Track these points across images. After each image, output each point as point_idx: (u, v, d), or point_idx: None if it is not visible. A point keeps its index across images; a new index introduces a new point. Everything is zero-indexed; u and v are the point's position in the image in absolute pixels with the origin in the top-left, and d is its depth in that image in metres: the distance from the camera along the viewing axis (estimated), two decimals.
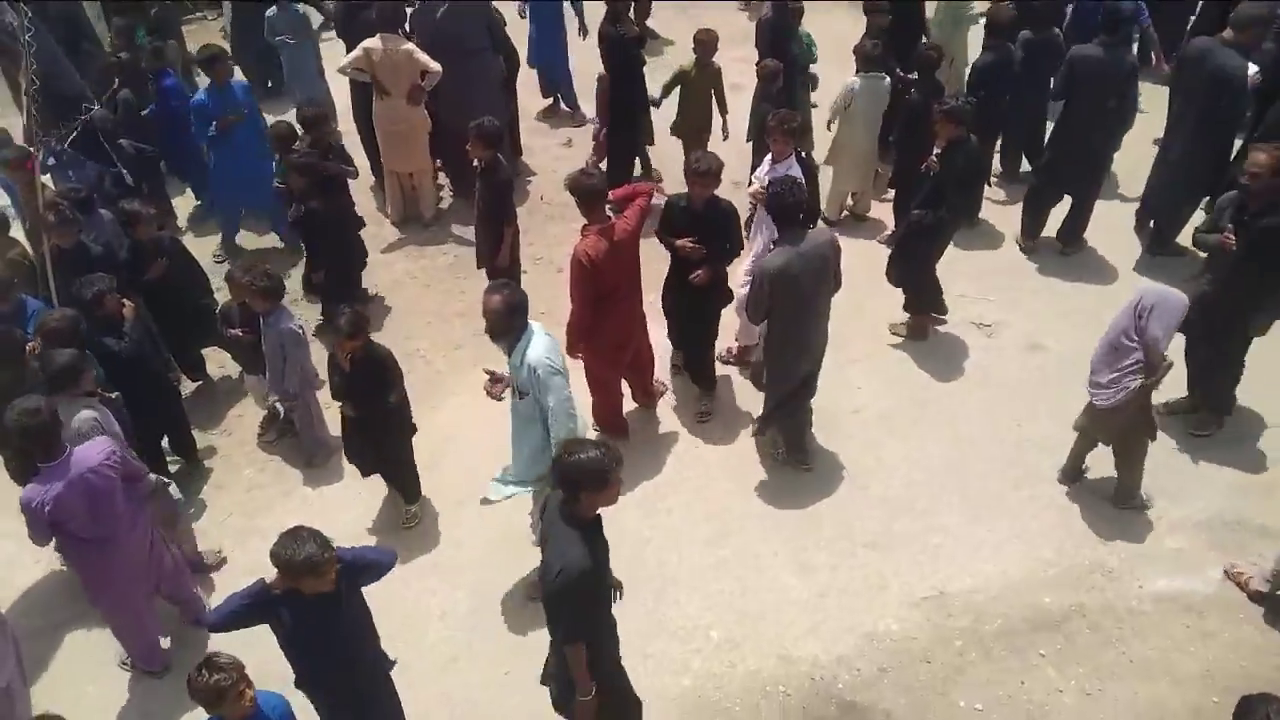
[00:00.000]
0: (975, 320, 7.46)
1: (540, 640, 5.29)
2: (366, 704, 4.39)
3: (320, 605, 3.93)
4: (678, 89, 8.41)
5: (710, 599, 5.57)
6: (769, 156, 6.60)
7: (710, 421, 6.69)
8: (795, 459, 6.37)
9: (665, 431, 6.72)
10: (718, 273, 6.21)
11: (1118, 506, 5.91)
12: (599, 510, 3.96)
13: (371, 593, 4.24)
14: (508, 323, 4.85)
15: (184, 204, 9.31)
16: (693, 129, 8.45)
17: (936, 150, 6.65)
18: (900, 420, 6.70)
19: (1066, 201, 7.94)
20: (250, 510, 6.42)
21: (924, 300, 7.18)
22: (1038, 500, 6.08)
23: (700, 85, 8.28)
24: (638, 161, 9.01)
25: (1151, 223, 7.96)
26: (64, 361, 5.12)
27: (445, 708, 5.15)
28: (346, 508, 6.31)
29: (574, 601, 3.86)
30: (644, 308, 6.37)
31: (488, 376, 5.19)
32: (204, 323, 6.95)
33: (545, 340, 4.92)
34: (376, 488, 6.38)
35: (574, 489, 3.84)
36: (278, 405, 6.75)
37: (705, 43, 8.13)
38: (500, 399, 5.16)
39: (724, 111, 8.45)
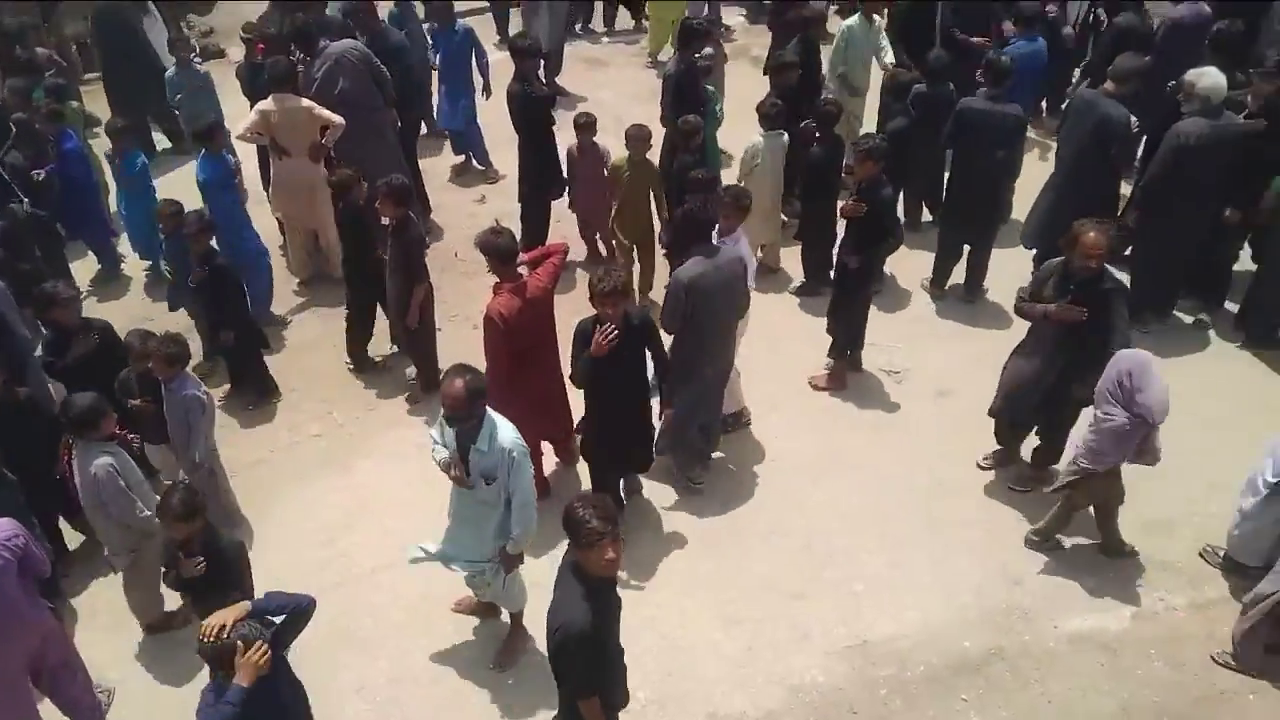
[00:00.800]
0: (885, 367, 7.59)
1: (464, 708, 5.24)
2: None
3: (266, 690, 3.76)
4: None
5: (637, 659, 5.37)
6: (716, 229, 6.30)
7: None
8: (687, 479, 6.51)
9: (585, 489, 6.64)
10: (642, 379, 5.88)
11: (1111, 557, 5.98)
12: (605, 574, 3.86)
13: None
14: (469, 408, 4.70)
15: (85, 269, 8.97)
16: (633, 230, 8.03)
17: (853, 195, 6.81)
18: (818, 468, 6.74)
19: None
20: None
21: (853, 344, 7.31)
22: (954, 544, 6.15)
23: (636, 183, 7.89)
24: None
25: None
26: (86, 404, 5.09)
27: None
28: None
29: (575, 658, 3.81)
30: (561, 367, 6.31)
31: (451, 477, 5.00)
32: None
33: (507, 423, 4.85)
34: (291, 558, 6.17)
35: (571, 541, 3.81)
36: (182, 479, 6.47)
37: (637, 139, 7.73)
38: (471, 487, 4.96)
39: (662, 212, 8.04)
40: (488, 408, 4.83)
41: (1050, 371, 5.94)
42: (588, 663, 3.86)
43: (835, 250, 7.36)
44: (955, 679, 5.36)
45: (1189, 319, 7.93)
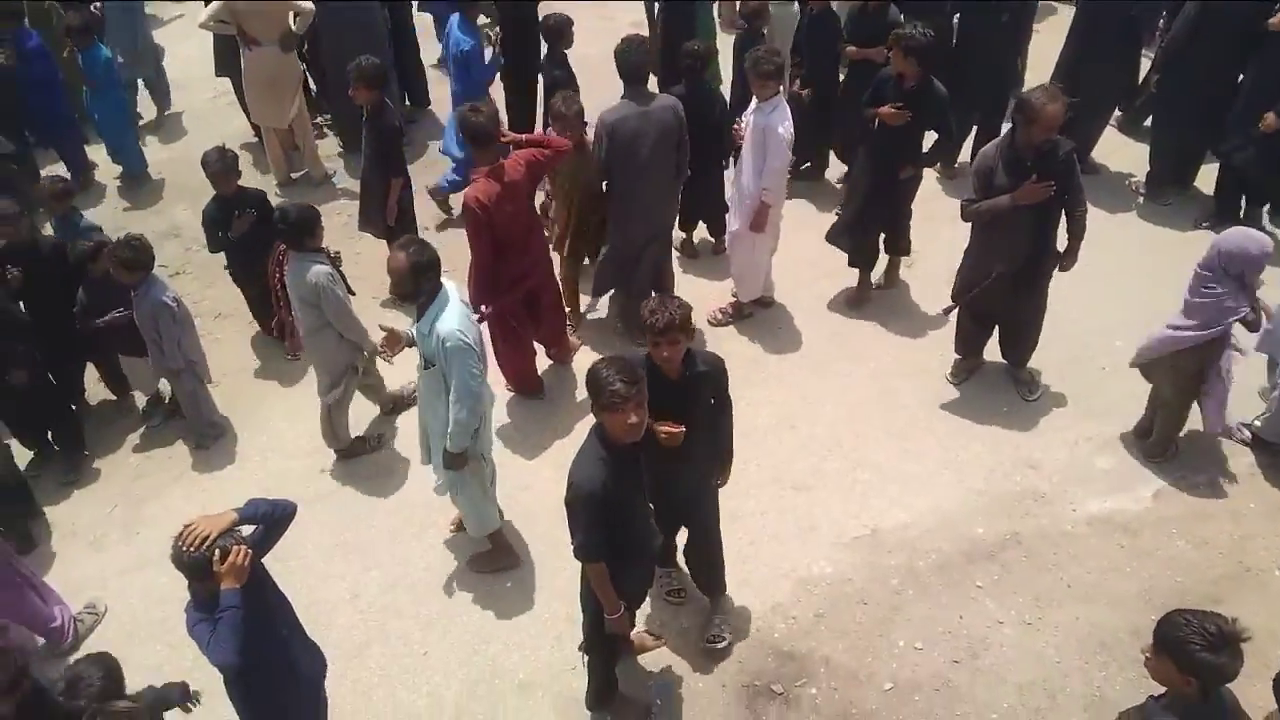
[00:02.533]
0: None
1: (461, 617, 5.06)
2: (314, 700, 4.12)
3: (250, 595, 3.58)
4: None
5: None
6: (754, 99, 6.00)
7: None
8: (633, 334, 6.23)
9: (581, 387, 6.37)
10: (708, 447, 4.41)
11: (1150, 456, 5.63)
12: (627, 439, 3.62)
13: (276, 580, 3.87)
14: (414, 284, 4.41)
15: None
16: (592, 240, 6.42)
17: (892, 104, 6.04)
18: (823, 357, 6.45)
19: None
20: (137, 499, 5.92)
21: (907, 240, 6.83)
22: (965, 429, 5.90)
23: (575, 183, 6.13)
24: None
25: None
26: (301, 212, 5.24)
27: (360, 696, 4.78)
28: (240, 490, 5.81)
29: (581, 517, 3.69)
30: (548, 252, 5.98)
31: (383, 334, 4.76)
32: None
33: (459, 310, 4.49)
34: (279, 466, 5.97)
35: (593, 403, 3.61)
36: (161, 387, 6.24)
37: (568, 119, 5.88)
38: (391, 361, 4.73)
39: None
40: (449, 290, 4.51)
41: (1017, 261, 5.51)
42: (591, 525, 3.69)
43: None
44: (969, 566, 5.15)
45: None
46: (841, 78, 7.43)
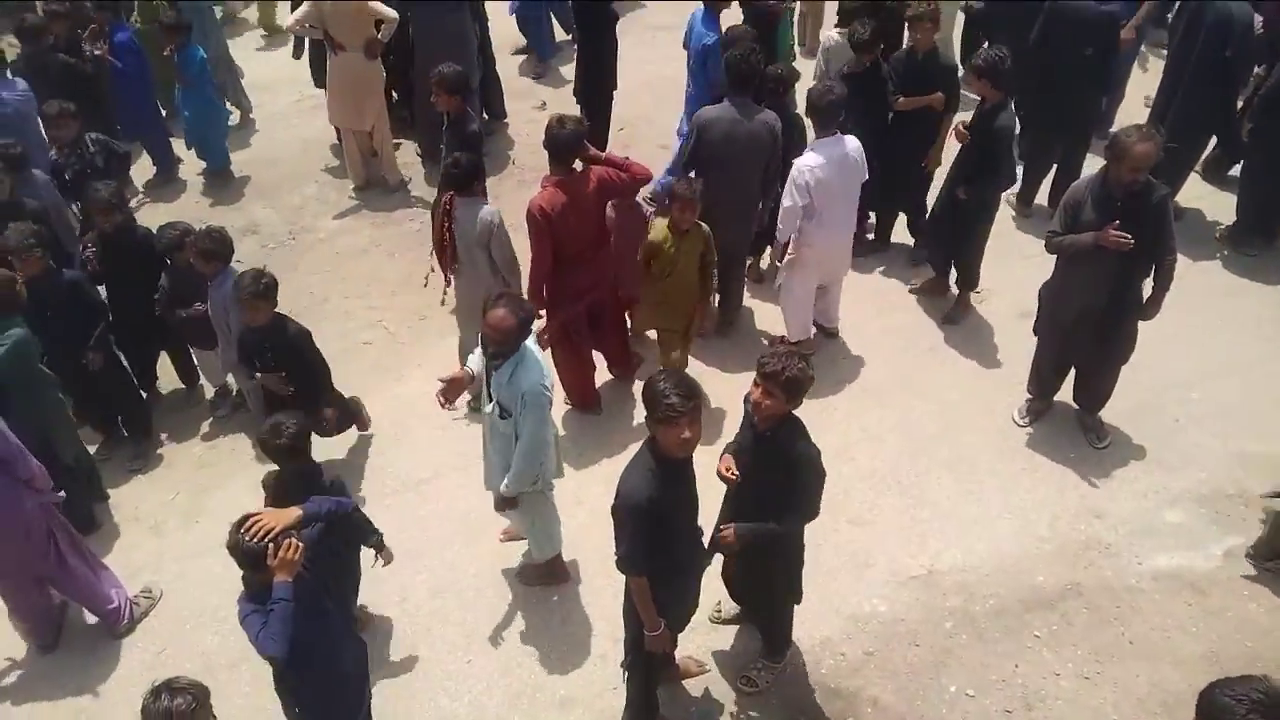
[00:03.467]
0: None
1: (507, 629, 5.06)
2: (358, 692, 4.15)
3: (302, 589, 3.63)
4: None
5: None
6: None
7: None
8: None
9: (639, 406, 6.34)
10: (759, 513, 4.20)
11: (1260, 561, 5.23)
12: (679, 453, 3.62)
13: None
14: (509, 343, 4.32)
15: (139, 172, 8.83)
16: (681, 314, 5.96)
17: (963, 122, 6.22)
18: (887, 390, 6.35)
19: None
20: (199, 488, 6.03)
21: (975, 274, 6.75)
22: (1030, 473, 5.75)
23: (686, 262, 5.73)
24: None
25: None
26: (473, 161, 5.56)
27: (403, 700, 4.79)
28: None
29: (627, 528, 3.71)
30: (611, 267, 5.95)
31: (441, 384, 4.59)
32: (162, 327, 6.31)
33: (539, 362, 4.46)
34: (339, 468, 6.02)
35: (648, 415, 3.62)
36: (229, 380, 6.36)
37: (685, 201, 5.48)
38: (453, 409, 4.70)
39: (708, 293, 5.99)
40: (529, 345, 4.44)
41: (1099, 302, 5.36)
42: (636, 536, 3.69)
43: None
44: (1027, 614, 5.01)
45: None
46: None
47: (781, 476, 3.98)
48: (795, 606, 4.62)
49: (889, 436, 6.02)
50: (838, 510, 5.55)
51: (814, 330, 6.60)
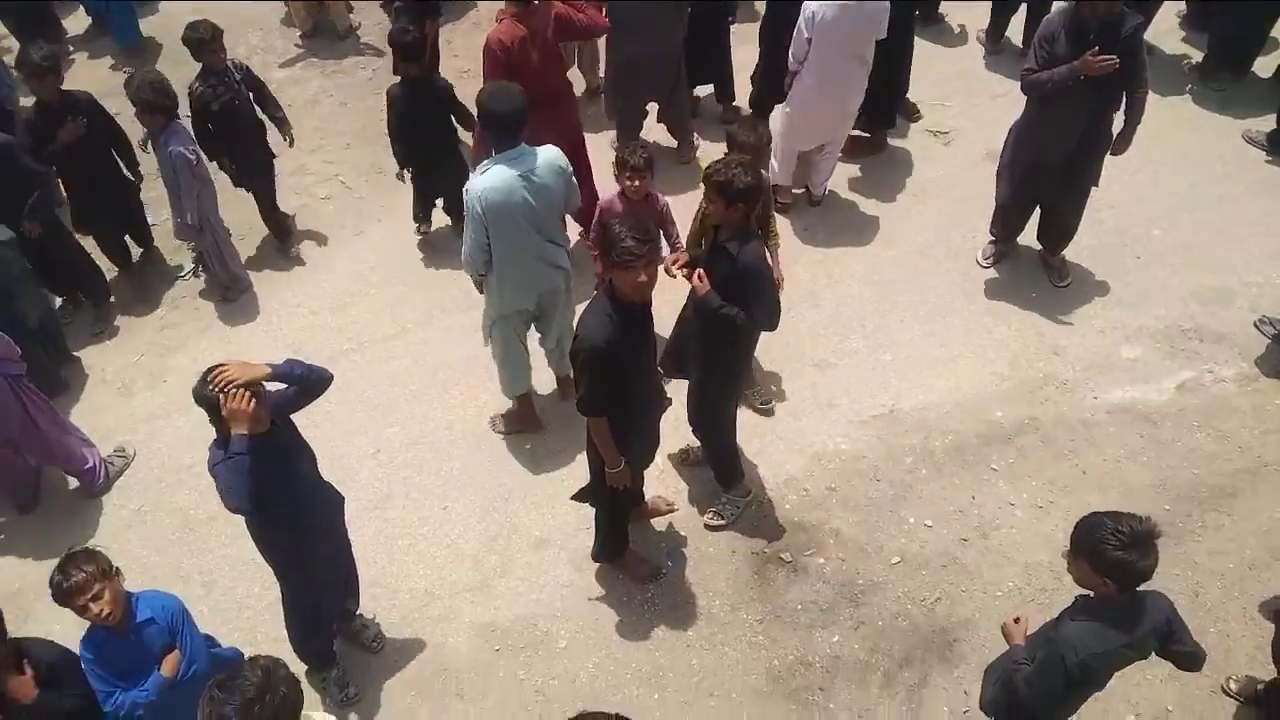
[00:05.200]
0: (932, 128, 7.05)
1: (481, 476, 5.19)
2: (332, 542, 4.20)
3: (268, 444, 3.61)
4: None
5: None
6: None
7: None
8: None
9: None
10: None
11: None
12: (637, 297, 3.69)
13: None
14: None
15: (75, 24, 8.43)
16: None
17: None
18: (853, 235, 6.37)
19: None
20: (164, 349, 6.02)
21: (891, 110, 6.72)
22: (991, 314, 5.86)
23: None
24: None
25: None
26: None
27: (381, 545, 4.95)
28: (264, 344, 5.93)
29: (583, 372, 3.79)
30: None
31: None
32: (131, 199, 6.12)
33: (488, 175, 4.43)
34: (304, 322, 6.07)
35: (603, 258, 3.68)
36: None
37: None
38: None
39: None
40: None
41: (1071, 140, 5.34)
42: (595, 379, 3.79)
43: None
44: (985, 448, 5.20)
45: None
46: None
47: (734, 287, 4.09)
48: (734, 439, 4.83)
49: (853, 283, 6.08)
50: (803, 354, 5.68)
51: (797, 190, 6.56)
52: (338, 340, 5.96)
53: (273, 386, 3.63)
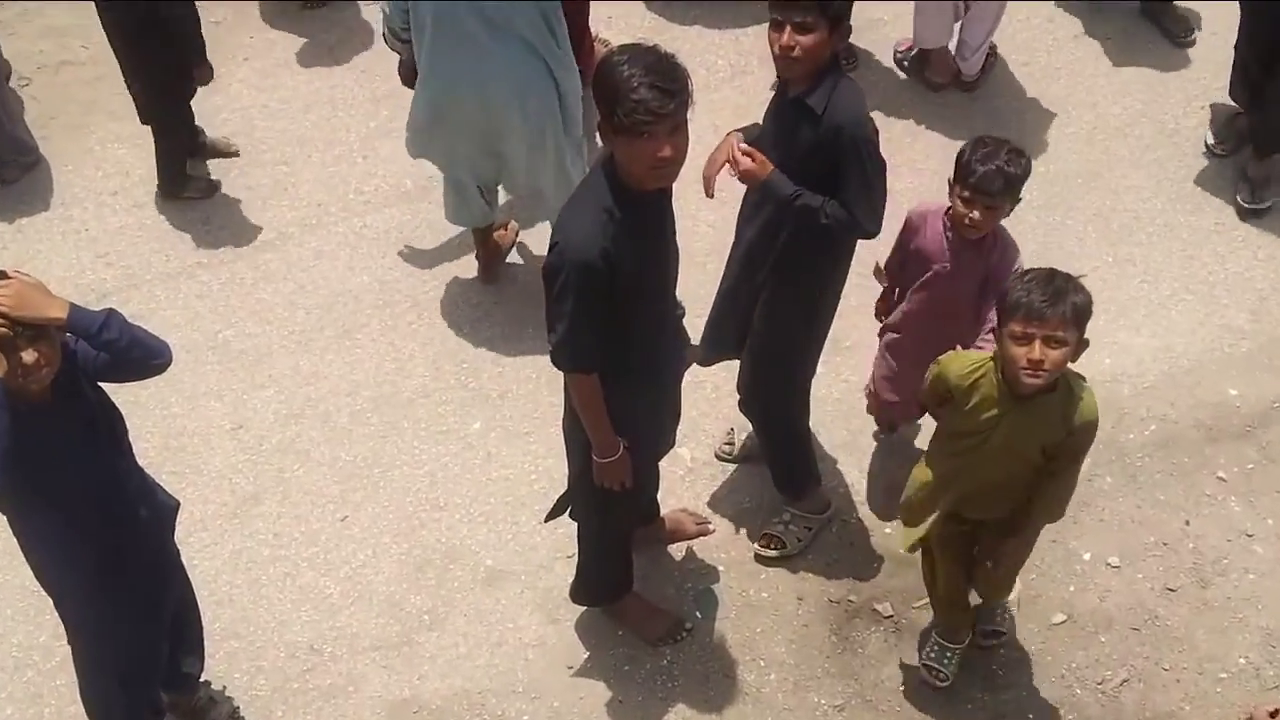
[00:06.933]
0: None
1: (402, 467, 5.28)
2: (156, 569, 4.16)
3: (49, 415, 3.60)
4: None
5: None
6: None
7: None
8: None
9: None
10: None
11: None
12: (653, 183, 3.68)
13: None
14: None
15: None
16: None
17: None
18: (1004, 99, 6.56)
19: None
20: None
21: None
22: (1227, 232, 6.01)
23: None
24: None
25: None
26: None
27: (243, 574, 4.96)
28: (53, 253, 6.02)
29: (567, 300, 3.72)
30: None
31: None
32: None
33: None
34: (108, 222, 6.15)
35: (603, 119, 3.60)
36: None
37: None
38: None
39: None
40: None
41: None
42: (582, 314, 3.74)
43: None
44: (1209, 447, 5.26)
45: None
46: None
47: (820, 165, 4.09)
48: (806, 423, 4.85)
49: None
50: None
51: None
52: (178, 249, 6.01)
53: None
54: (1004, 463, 3.94)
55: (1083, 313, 3.63)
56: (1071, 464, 3.96)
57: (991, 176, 4.15)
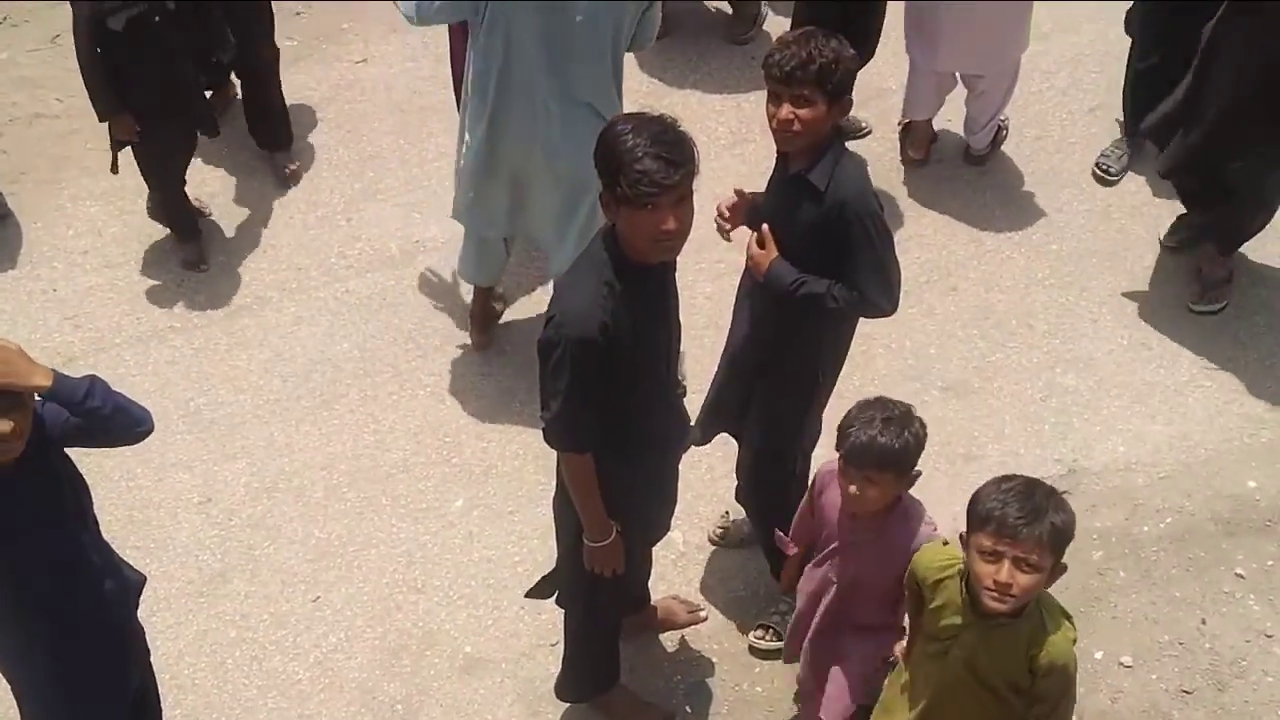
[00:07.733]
0: None
1: (378, 546, 5.23)
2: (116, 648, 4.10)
3: (7, 491, 3.54)
4: None
5: None
6: None
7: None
8: None
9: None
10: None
11: None
12: (656, 256, 3.68)
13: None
14: None
15: None
16: None
17: None
18: (1014, 172, 6.56)
19: None
20: None
21: None
22: (1248, 314, 5.99)
23: None
24: None
25: None
26: None
27: (207, 657, 4.90)
28: (21, 312, 6.00)
29: (563, 376, 3.70)
30: None
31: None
32: None
33: None
34: (78, 282, 6.13)
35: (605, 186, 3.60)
36: None
37: None
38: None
39: None
40: None
41: None
42: (577, 389, 3.70)
43: None
44: (1227, 541, 5.21)
45: None
46: None
47: (823, 242, 4.07)
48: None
49: (1012, 249, 6.20)
50: (928, 369, 5.81)
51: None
52: (150, 311, 6.00)
53: None
54: (972, 689, 3.60)
55: (1063, 536, 3.27)
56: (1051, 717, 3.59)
57: (862, 448, 3.72)
